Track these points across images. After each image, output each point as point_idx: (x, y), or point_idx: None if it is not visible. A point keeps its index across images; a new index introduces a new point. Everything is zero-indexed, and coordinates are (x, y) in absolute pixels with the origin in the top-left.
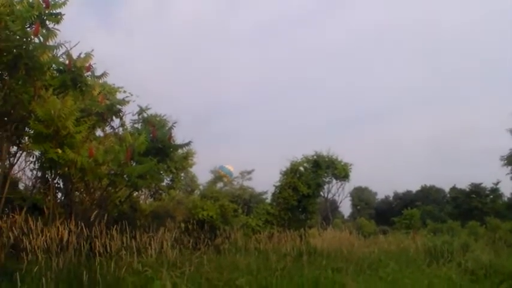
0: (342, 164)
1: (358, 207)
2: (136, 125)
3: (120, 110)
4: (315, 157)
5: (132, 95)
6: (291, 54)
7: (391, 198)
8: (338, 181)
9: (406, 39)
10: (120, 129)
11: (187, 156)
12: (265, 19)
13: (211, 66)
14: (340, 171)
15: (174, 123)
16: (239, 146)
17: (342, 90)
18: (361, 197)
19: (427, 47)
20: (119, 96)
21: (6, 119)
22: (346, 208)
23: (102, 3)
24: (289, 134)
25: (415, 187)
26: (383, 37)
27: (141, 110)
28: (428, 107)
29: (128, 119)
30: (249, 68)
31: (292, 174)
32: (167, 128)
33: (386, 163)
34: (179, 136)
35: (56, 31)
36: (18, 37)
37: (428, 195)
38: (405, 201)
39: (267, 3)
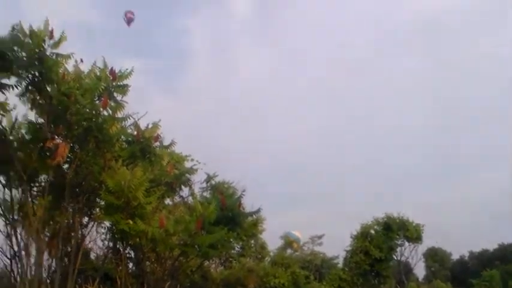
0: (414, 225)
1: (433, 269)
2: (205, 193)
3: (188, 179)
4: (385, 219)
5: (199, 163)
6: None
7: (466, 258)
8: (410, 243)
9: None
10: (190, 198)
11: (256, 223)
12: (318, 76)
13: (272, 130)
14: (412, 233)
15: (243, 191)
16: (306, 208)
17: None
18: (435, 258)
19: None
20: (187, 164)
21: (77, 190)
22: (420, 270)
23: (164, 72)
24: (355, 192)
25: (492, 245)
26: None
27: (209, 178)
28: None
29: (196, 187)
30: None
31: (363, 238)
32: (236, 196)
33: (459, 220)
34: (247, 201)
35: (124, 103)
36: (87, 110)
37: (507, 253)
38: (482, 261)
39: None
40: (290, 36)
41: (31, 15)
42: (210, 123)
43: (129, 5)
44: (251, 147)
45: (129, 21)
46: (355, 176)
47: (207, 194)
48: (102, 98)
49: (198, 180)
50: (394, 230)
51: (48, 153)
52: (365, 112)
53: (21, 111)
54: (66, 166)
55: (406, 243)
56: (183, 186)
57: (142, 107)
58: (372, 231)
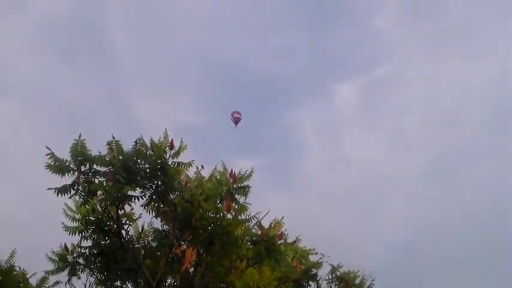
0: None
1: None
2: (331, 285)
3: (316, 274)
4: None
5: (323, 255)
6: None
7: None
8: None
9: None
10: None
11: None
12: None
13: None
14: None
15: (372, 280)
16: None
17: None
18: None
19: None
20: (311, 258)
21: None
22: None
23: (277, 167)
24: None
25: None
26: None
27: (334, 269)
28: None
29: (323, 281)
30: None
31: None
32: (366, 286)
33: None
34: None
35: (247, 205)
36: (212, 215)
37: None
38: None
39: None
40: (397, 120)
41: (144, 123)
42: (327, 213)
43: (236, 106)
44: (368, 233)
45: (237, 121)
46: None
47: (333, 287)
48: (225, 202)
49: (323, 273)
50: None
51: (175, 259)
52: None
53: (147, 219)
54: (192, 269)
55: None
56: (310, 282)
57: (260, 204)
58: None
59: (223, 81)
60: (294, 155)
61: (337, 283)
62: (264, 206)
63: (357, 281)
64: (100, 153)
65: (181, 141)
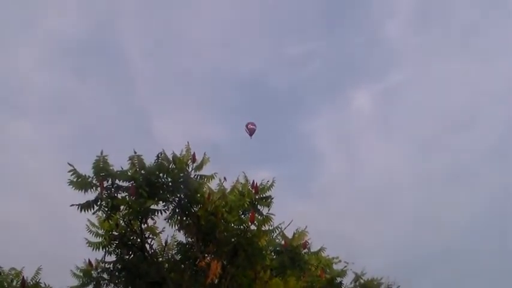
0: None
1: None
2: None
3: (341, 283)
4: None
5: (347, 263)
6: None
7: None
8: None
9: None
10: None
11: None
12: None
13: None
14: None
15: (398, 286)
16: None
17: None
18: None
19: None
20: (335, 266)
21: None
22: None
23: (296, 176)
24: None
25: None
26: None
27: (357, 277)
28: None
29: None
30: None
31: None
32: None
33: None
34: None
35: (271, 215)
36: (235, 227)
37: None
38: None
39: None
40: (413, 126)
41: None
42: (346, 221)
43: (252, 117)
44: (387, 241)
45: (251, 132)
46: None
47: None
48: (248, 213)
49: (347, 281)
50: None
51: (199, 272)
52: None
53: (170, 233)
54: (216, 281)
55: None
56: None
57: (280, 213)
58: None
59: (239, 93)
60: (311, 164)
61: None
62: (284, 215)
63: None
64: (122, 168)
65: (204, 154)
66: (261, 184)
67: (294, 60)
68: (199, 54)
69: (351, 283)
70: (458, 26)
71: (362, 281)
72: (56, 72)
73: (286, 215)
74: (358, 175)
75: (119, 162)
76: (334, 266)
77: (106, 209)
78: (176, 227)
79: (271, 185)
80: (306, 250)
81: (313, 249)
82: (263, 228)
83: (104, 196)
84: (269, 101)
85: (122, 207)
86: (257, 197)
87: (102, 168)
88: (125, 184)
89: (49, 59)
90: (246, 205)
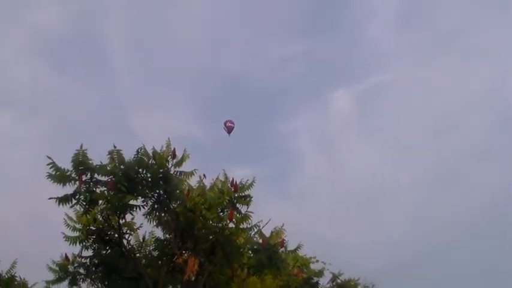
0: None
1: None
2: None
3: (317, 282)
4: None
5: (324, 263)
6: None
7: None
8: None
9: None
10: None
11: None
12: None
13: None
14: None
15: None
16: None
17: None
18: None
19: None
20: (313, 266)
21: None
22: None
23: (273, 176)
24: None
25: None
26: None
27: (334, 277)
28: None
29: None
30: None
31: None
32: None
33: None
34: None
35: (249, 214)
36: (214, 224)
37: None
38: None
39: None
40: (393, 127)
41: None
42: (325, 221)
43: (232, 116)
44: (365, 241)
45: (230, 130)
46: None
47: None
48: (227, 211)
49: (324, 281)
50: None
51: (177, 268)
52: None
53: (148, 229)
54: (193, 278)
55: None
56: None
57: (258, 212)
58: None
59: (219, 91)
60: (291, 164)
61: None
62: (262, 214)
63: None
64: (101, 162)
65: (185, 150)
66: (241, 183)
67: (276, 62)
68: (181, 53)
69: (327, 283)
70: (441, 27)
71: (339, 281)
72: (36, 65)
73: (265, 215)
74: (338, 177)
75: (98, 157)
76: (312, 266)
77: (84, 203)
78: (154, 223)
79: (251, 184)
80: (283, 249)
81: (290, 248)
82: (241, 226)
83: (83, 190)
84: (250, 101)
85: (100, 201)
86: (236, 195)
87: (81, 162)
88: (104, 179)
89: (29, 53)
90: (225, 203)
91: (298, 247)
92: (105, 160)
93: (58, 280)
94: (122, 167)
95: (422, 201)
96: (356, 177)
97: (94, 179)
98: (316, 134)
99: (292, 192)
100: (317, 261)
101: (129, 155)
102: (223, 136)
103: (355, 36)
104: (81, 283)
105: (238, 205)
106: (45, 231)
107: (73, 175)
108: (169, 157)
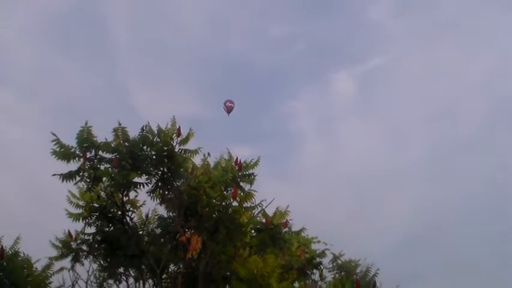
0: None
1: None
2: (330, 274)
3: (320, 263)
4: None
5: (326, 244)
6: None
7: None
8: None
9: None
10: (320, 282)
11: None
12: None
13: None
14: None
15: (377, 270)
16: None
17: None
18: None
19: None
20: (314, 246)
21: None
22: None
23: (274, 156)
24: None
25: None
26: None
27: (335, 258)
28: None
29: (325, 270)
30: None
31: None
32: (370, 275)
33: None
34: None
35: (253, 192)
36: (217, 202)
37: None
38: None
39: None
40: (393, 110)
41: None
42: (324, 203)
43: (230, 96)
44: (364, 224)
45: (229, 110)
46: None
47: (332, 274)
48: (230, 189)
49: (325, 261)
50: None
51: (179, 246)
52: None
53: (150, 206)
54: (196, 257)
55: None
56: (314, 270)
57: (260, 192)
58: None
59: (219, 71)
60: (291, 145)
61: (338, 272)
62: (263, 194)
63: (358, 270)
64: (106, 139)
65: (190, 129)
66: (245, 162)
67: (277, 42)
68: (183, 32)
69: (328, 263)
70: (442, 14)
71: (339, 262)
72: (38, 44)
73: (266, 195)
74: (338, 159)
75: (101, 135)
76: (313, 246)
77: (88, 180)
78: (158, 201)
79: (256, 163)
80: (286, 229)
81: (294, 229)
82: (245, 205)
83: (87, 167)
84: (251, 81)
85: (104, 179)
86: (240, 173)
87: (85, 138)
88: (108, 156)
89: (31, 31)
90: (228, 181)
91: (302, 229)
92: (109, 138)
93: (61, 256)
94: (126, 144)
95: (421, 185)
96: (355, 160)
97: (98, 156)
98: (317, 115)
99: (291, 173)
100: (318, 241)
101: (132, 133)
102: (223, 116)
103: (357, 19)
104: (83, 260)
105: (242, 184)
106: (48, 208)
107: (77, 152)
108: (174, 135)
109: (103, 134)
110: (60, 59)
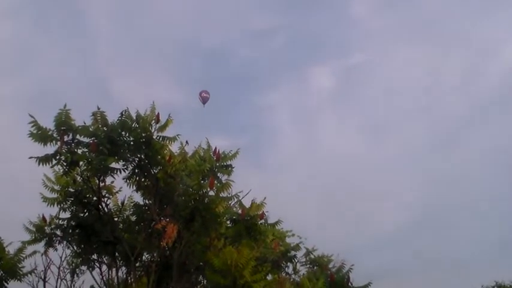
0: None
1: None
2: (303, 268)
3: (294, 256)
4: None
5: (300, 237)
6: None
7: None
8: None
9: None
10: (294, 275)
11: None
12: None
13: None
14: None
15: (352, 265)
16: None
17: None
18: None
19: None
20: (288, 240)
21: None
22: None
23: (250, 148)
24: None
25: None
26: None
27: (308, 252)
28: None
29: (299, 264)
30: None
31: None
32: (344, 270)
33: None
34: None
35: (230, 182)
36: (194, 191)
37: None
38: None
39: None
40: (371, 107)
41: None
42: (298, 196)
43: (206, 86)
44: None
45: (205, 100)
46: None
47: (305, 269)
48: (207, 179)
49: (300, 255)
50: None
51: (154, 234)
52: None
53: (126, 193)
54: (170, 245)
55: None
56: (289, 263)
57: (238, 183)
58: None
59: (199, 62)
60: (267, 137)
61: (311, 266)
62: (240, 186)
63: (331, 265)
64: (85, 123)
65: (169, 115)
66: (223, 153)
67: (257, 35)
68: (164, 23)
69: (301, 257)
70: (423, 12)
71: (312, 256)
72: (17, 24)
73: (243, 187)
74: (313, 153)
75: (79, 121)
76: (288, 239)
77: (65, 164)
78: (134, 188)
79: (235, 155)
80: (262, 221)
81: (270, 221)
82: (221, 195)
83: (64, 150)
84: (230, 72)
85: (81, 163)
86: (218, 164)
87: (63, 121)
88: (86, 140)
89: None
90: (205, 171)
91: (278, 222)
92: (88, 123)
93: (34, 241)
94: (104, 128)
95: (396, 182)
96: (331, 154)
97: (76, 140)
98: (294, 108)
99: (268, 165)
100: (293, 235)
101: (110, 119)
102: (199, 106)
103: (338, 14)
104: (57, 245)
105: (219, 174)
106: (23, 192)
107: (55, 135)
108: (153, 121)
109: (81, 119)
110: (39, 39)
